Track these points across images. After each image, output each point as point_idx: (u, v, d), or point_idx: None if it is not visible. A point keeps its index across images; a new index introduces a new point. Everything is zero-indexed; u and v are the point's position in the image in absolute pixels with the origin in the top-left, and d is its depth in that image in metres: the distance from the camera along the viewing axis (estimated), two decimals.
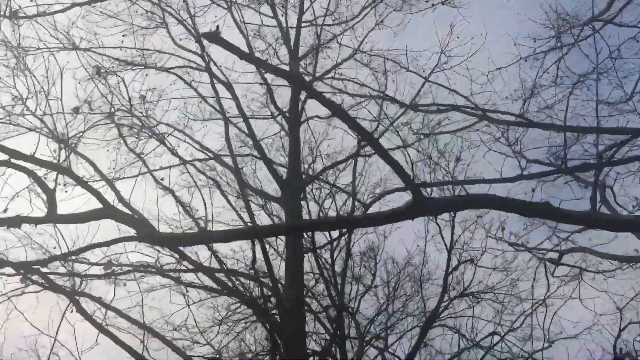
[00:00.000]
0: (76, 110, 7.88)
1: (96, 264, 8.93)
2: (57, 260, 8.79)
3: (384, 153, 4.76)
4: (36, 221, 5.21)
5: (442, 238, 14.23)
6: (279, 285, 9.32)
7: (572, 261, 11.99)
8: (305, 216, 10.53)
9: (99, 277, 8.87)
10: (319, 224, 8.07)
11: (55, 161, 5.84)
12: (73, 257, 8.45)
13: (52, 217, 5.06)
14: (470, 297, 14.72)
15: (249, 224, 9.46)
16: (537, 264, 12.81)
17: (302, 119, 11.44)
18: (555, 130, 8.06)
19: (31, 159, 5.15)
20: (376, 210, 10.65)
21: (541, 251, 11.81)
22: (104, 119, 9.73)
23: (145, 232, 5.15)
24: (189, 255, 9.61)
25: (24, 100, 10.26)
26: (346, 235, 11.51)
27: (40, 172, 5.65)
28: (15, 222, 5.02)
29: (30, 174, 5.24)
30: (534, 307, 13.40)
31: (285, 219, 10.28)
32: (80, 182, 5.44)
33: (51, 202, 5.05)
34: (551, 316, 12.89)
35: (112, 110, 9.08)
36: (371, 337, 14.86)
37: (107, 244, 5.54)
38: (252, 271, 9.77)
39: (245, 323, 13.32)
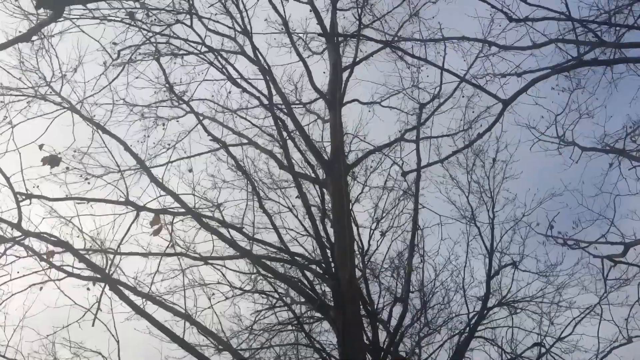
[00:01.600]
0: None
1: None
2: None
3: None
4: None
5: (482, 240, 13.49)
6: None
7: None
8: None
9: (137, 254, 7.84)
10: None
11: None
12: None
13: None
14: (510, 306, 13.75)
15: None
16: (588, 263, 11.97)
17: (343, 102, 10.72)
18: None
19: None
20: None
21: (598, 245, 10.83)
22: None
23: None
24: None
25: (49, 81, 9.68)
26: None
27: None
28: None
29: None
30: (584, 314, 12.44)
31: (331, 200, 9.42)
32: None
33: None
34: (604, 323, 11.86)
35: None
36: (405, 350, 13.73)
37: None
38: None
39: (271, 332, 12.29)
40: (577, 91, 11.79)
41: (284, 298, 11.60)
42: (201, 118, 10.82)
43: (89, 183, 10.57)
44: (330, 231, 9.50)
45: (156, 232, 7.44)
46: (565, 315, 12.93)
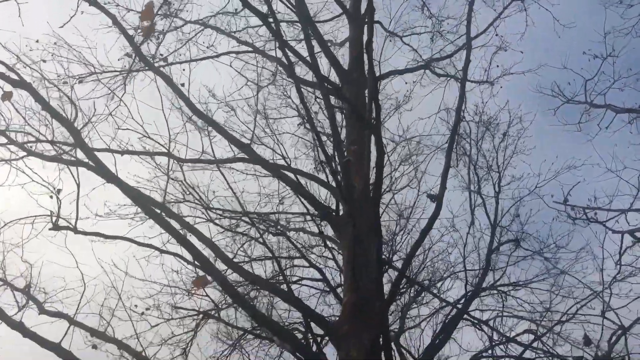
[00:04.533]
0: None
1: None
2: None
3: None
4: None
5: (486, 211, 12.37)
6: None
7: None
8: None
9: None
10: None
11: None
12: None
13: None
14: (502, 291, 12.61)
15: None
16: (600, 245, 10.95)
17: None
18: None
19: None
20: None
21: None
22: None
23: None
24: None
25: None
26: None
27: None
28: None
29: None
30: (588, 300, 11.34)
31: (345, 112, 8.15)
32: None
33: None
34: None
35: None
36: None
37: None
38: None
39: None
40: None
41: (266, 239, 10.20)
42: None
43: None
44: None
45: (146, 35, 5.95)
46: (565, 302, 11.94)
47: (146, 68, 7.98)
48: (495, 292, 12.45)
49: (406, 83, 10.24)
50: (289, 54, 5.98)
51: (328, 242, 9.89)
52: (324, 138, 9.15)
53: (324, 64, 8.95)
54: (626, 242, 10.27)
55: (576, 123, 11.77)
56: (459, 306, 11.13)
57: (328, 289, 10.56)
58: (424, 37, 11.12)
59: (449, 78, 10.20)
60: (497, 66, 10.84)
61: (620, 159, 10.80)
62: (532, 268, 12.77)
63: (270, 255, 9.88)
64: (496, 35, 10.02)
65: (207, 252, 6.53)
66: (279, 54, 6.99)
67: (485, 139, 13.00)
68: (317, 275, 10.28)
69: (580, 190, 11.98)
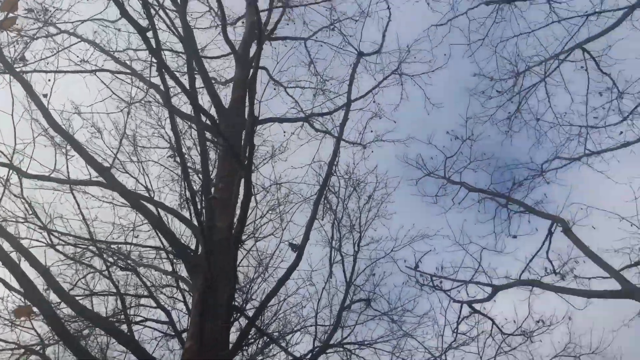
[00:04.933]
0: None
1: None
2: None
3: None
4: None
5: (344, 269, 12.64)
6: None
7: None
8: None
9: None
10: None
11: None
12: None
13: None
14: (348, 349, 12.83)
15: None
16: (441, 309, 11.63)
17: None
18: None
19: None
20: None
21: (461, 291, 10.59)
22: None
23: None
24: None
25: None
26: None
27: None
28: None
29: None
30: None
31: (219, 150, 7.92)
32: None
33: None
34: None
35: None
36: None
37: None
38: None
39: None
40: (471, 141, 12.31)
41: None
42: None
43: None
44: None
45: (5, 27, 5.22)
46: None
47: (5, 71, 7.23)
48: (341, 349, 12.63)
49: (284, 132, 10.35)
50: (167, 78, 5.70)
51: (180, 283, 9.44)
52: (193, 174, 8.90)
53: (205, 101, 8.79)
54: (464, 312, 11.08)
55: (434, 195, 12.79)
56: None
57: (173, 333, 9.97)
58: (307, 92, 11.39)
59: (325, 134, 10.50)
60: (371, 131, 11.41)
61: (467, 234, 11.82)
62: (379, 328, 13.34)
63: (115, 291, 9.15)
64: (374, 102, 10.60)
65: (40, 280, 5.81)
66: (157, 80, 6.67)
67: (351, 198, 13.65)
68: (164, 317, 9.70)
69: (431, 258, 12.84)
